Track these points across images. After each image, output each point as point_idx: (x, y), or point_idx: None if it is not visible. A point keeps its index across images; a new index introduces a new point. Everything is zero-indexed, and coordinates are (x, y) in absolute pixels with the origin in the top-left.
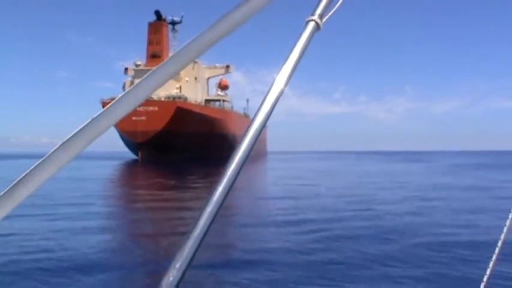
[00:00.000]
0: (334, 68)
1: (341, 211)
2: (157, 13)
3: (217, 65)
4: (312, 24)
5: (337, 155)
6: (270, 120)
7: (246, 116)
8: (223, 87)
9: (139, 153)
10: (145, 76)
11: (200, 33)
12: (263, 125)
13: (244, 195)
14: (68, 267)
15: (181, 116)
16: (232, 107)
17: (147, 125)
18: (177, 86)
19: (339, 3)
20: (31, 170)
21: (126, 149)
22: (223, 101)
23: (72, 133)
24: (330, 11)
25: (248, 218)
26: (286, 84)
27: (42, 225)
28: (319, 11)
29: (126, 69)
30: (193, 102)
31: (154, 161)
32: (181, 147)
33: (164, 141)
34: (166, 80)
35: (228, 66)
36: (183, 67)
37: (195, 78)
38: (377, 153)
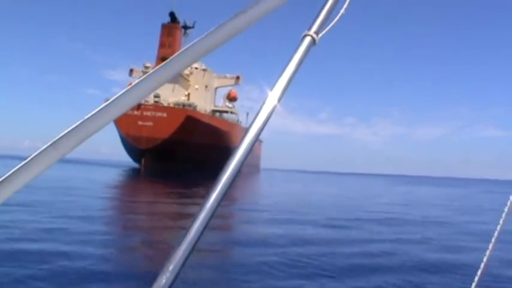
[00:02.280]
0: (322, 87)
1: None
2: (172, 15)
3: (227, 75)
4: (308, 39)
5: (329, 176)
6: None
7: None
8: (231, 98)
9: (143, 161)
10: (146, 75)
11: (202, 37)
12: (256, 138)
13: None
14: None
15: (190, 124)
16: (238, 120)
17: (153, 131)
18: (186, 93)
19: (336, 19)
20: (18, 168)
21: (123, 158)
22: (231, 112)
23: (66, 130)
24: (327, 26)
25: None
26: (280, 98)
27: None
28: (315, 26)
29: (131, 70)
30: (202, 111)
31: (157, 171)
32: (186, 158)
33: (170, 150)
34: (165, 82)
35: (238, 77)
36: (183, 69)
37: (206, 87)
38: (362, 175)
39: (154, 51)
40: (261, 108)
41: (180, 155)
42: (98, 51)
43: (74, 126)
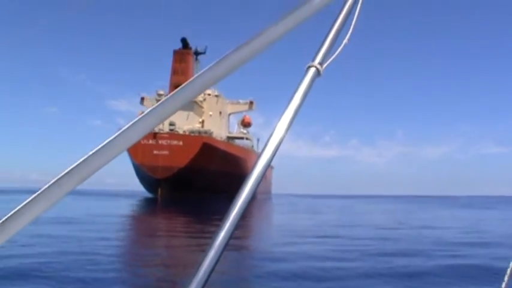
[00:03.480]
0: (326, 112)
1: None
2: (184, 41)
3: (240, 100)
4: (312, 70)
5: (339, 199)
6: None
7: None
8: (246, 124)
9: (160, 191)
10: (159, 102)
11: (214, 63)
12: (266, 167)
13: None
14: None
15: (207, 152)
16: (253, 146)
17: (169, 160)
18: (200, 120)
19: (339, 49)
20: (26, 203)
21: (131, 187)
22: (246, 138)
23: (77, 162)
24: (330, 57)
25: None
26: (288, 128)
27: None
28: (319, 57)
29: (142, 98)
30: (218, 138)
31: (175, 201)
32: (203, 186)
33: (187, 179)
34: (178, 109)
35: (251, 103)
36: (196, 96)
37: (220, 113)
38: (373, 197)
39: (156, 80)
40: (269, 138)
41: (197, 183)
42: (99, 81)
43: (85, 156)
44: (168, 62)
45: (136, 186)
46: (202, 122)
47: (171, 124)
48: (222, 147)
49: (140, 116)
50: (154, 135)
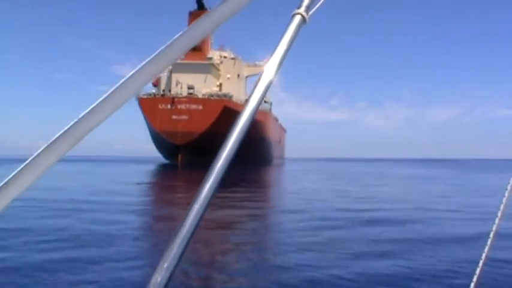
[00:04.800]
0: (332, 73)
1: None
2: (199, 1)
3: (257, 62)
4: (298, 18)
5: (349, 162)
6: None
7: (276, 119)
8: None
9: (180, 157)
10: (151, 57)
11: (209, 12)
12: (253, 116)
13: None
14: None
15: (228, 116)
16: (270, 109)
17: (189, 126)
18: (218, 83)
19: None
20: (19, 171)
21: (140, 154)
22: (265, 101)
23: (67, 127)
24: (317, 4)
25: None
26: (274, 76)
27: None
28: (305, 3)
29: None
30: (237, 101)
31: (194, 167)
32: None
33: (207, 144)
34: (170, 64)
35: None
36: (189, 48)
37: (238, 76)
38: (380, 160)
39: (161, 44)
40: (255, 87)
41: (215, 149)
42: (105, 47)
43: (77, 119)
44: (165, 21)
45: (145, 151)
46: (220, 85)
47: (190, 88)
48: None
49: (133, 72)
50: (172, 100)
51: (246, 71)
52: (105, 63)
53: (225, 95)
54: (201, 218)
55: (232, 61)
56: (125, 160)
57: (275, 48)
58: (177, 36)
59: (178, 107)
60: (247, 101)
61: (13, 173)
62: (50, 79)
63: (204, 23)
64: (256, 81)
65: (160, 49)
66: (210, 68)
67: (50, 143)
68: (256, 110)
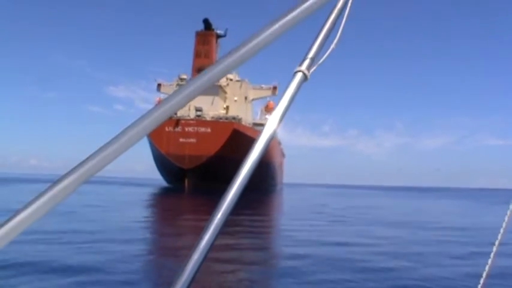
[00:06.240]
0: (324, 101)
1: None
2: (206, 22)
3: (263, 86)
4: (299, 75)
5: (347, 190)
6: None
7: (279, 143)
8: (270, 110)
9: (186, 181)
10: (183, 85)
11: (238, 46)
12: (254, 167)
13: None
14: None
15: (237, 139)
16: (276, 134)
17: (197, 149)
18: (224, 105)
19: (326, 55)
20: (42, 194)
21: (134, 174)
22: None
23: (93, 152)
24: (317, 62)
25: None
26: (276, 129)
27: None
28: (306, 62)
29: (159, 85)
30: (246, 124)
31: (201, 192)
32: (228, 176)
33: (215, 168)
34: (200, 93)
35: (275, 88)
36: (219, 79)
37: (245, 98)
38: (373, 188)
39: (154, 67)
40: (257, 139)
41: (224, 173)
42: (98, 68)
43: (103, 145)
44: (165, 44)
45: (138, 172)
46: (227, 108)
47: (198, 110)
48: (251, 134)
49: (164, 99)
50: (177, 121)
51: (251, 94)
52: (98, 83)
53: (233, 118)
54: (213, 244)
55: (239, 83)
56: (114, 182)
57: (277, 104)
58: (209, 68)
59: (186, 129)
60: (250, 150)
61: (38, 194)
62: (41, 98)
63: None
64: (259, 134)
65: (196, 77)
66: (217, 90)
67: (80, 164)
68: (261, 156)
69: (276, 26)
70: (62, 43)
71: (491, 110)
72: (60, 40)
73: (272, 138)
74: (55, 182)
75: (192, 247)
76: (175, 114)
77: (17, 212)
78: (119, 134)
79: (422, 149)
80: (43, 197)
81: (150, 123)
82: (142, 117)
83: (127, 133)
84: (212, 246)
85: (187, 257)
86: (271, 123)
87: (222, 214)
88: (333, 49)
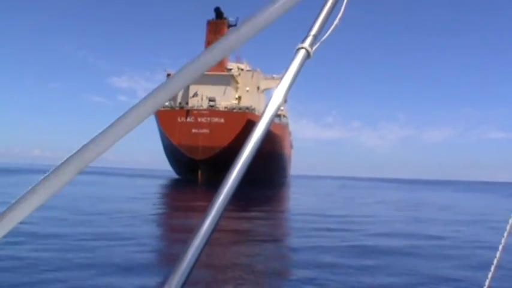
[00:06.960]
0: (328, 92)
1: None
2: (218, 10)
3: (274, 75)
4: (302, 52)
5: (357, 182)
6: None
7: (290, 134)
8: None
9: (200, 173)
10: (180, 69)
11: (236, 29)
12: (256, 149)
13: None
14: None
15: (251, 130)
16: (287, 124)
17: (210, 140)
18: (236, 96)
19: (329, 31)
20: (39, 183)
21: (136, 165)
22: (283, 116)
23: (86, 143)
24: (321, 38)
25: None
26: (278, 109)
27: None
28: (309, 39)
29: (168, 75)
30: (260, 114)
31: (215, 184)
32: None
33: (228, 160)
34: (197, 77)
35: None
36: (215, 63)
37: (257, 88)
38: (378, 180)
39: (158, 58)
40: (260, 120)
41: None
42: (102, 58)
43: (96, 135)
44: (169, 35)
45: (139, 163)
46: (239, 98)
47: (211, 100)
48: None
49: (161, 84)
50: (188, 112)
51: (263, 84)
52: (101, 74)
53: (247, 108)
54: (214, 228)
55: (250, 73)
56: (120, 174)
57: (280, 82)
58: (203, 52)
59: (199, 120)
60: (251, 132)
61: (36, 183)
62: (45, 88)
63: (231, 38)
64: (261, 114)
65: (186, 63)
66: (230, 80)
67: (66, 159)
68: (263, 138)
69: (279, 3)
70: (65, 33)
71: (496, 103)
72: (63, 30)
73: (273, 119)
74: (50, 172)
75: (192, 233)
76: (187, 104)
77: (13, 203)
78: (127, 112)
79: (426, 141)
80: (39, 187)
81: (154, 102)
82: (146, 98)
83: (135, 110)
84: (213, 231)
85: (187, 244)
86: (275, 100)
87: (228, 188)
88: (336, 25)
